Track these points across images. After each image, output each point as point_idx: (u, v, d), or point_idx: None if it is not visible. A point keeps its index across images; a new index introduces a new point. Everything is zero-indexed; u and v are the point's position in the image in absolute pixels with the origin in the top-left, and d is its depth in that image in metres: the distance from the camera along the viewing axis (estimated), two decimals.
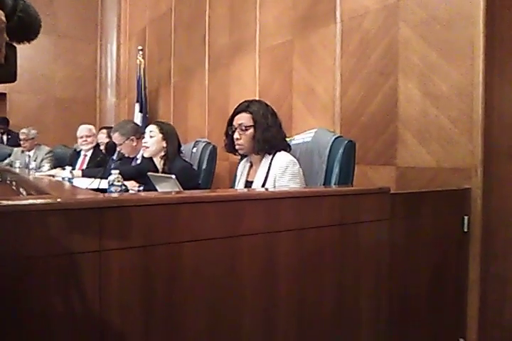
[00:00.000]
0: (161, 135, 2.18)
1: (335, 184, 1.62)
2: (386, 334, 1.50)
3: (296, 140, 1.90)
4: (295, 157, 1.81)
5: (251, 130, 1.62)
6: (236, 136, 1.64)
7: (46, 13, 6.14)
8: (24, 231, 0.85)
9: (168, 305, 1.01)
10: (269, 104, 1.71)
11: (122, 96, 6.51)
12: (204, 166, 2.80)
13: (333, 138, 1.69)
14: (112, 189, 1.55)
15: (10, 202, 0.85)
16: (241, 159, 1.87)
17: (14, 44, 0.90)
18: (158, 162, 2.19)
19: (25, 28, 0.87)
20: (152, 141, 2.17)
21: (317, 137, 1.79)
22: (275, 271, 1.19)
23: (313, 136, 1.81)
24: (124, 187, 1.58)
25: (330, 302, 1.33)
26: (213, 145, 2.80)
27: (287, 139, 1.91)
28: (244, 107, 1.65)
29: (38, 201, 0.87)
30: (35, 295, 0.86)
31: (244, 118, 1.64)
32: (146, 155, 2.18)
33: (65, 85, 6.23)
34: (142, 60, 5.30)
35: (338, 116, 2.57)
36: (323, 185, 1.66)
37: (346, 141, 1.65)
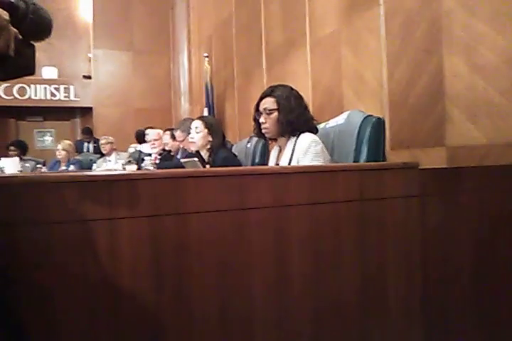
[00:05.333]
0: (206, 130, 2.31)
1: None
2: (421, 325, 1.41)
3: (330, 123, 1.90)
4: (328, 140, 1.81)
5: (275, 113, 1.66)
6: (262, 120, 1.69)
7: (123, 32, 6.74)
8: (44, 200, 0.99)
9: (177, 272, 1.09)
10: (294, 87, 1.74)
11: (195, 102, 6.86)
12: (257, 160, 2.89)
13: (363, 118, 1.66)
14: None
15: (33, 175, 0.99)
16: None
17: (33, 43, 1.06)
18: (204, 154, 2.32)
19: (38, 28, 1.02)
20: (198, 136, 2.31)
21: (349, 118, 1.77)
22: (286, 245, 1.21)
23: (345, 118, 1.80)
24: None
25: (350, 281, 1.30)
26: (265, 140, 2.87)
27: (322, 124, 1.91)
28: (269, 92, 1.70)
29: (56, 175, 1.01)
30: (55, 257, 0.99)
31: (268, 103, 1.68)
32: (192, 149, 2.33)
33: (142, 97, 6.76)
34: (208, 66, 5.56)
35: (386, 101, 2.48)
36: None
37: (374, 119, 1.61)
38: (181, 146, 3.36)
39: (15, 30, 0.95)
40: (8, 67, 1.00)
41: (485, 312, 1.55)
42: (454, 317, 1.48)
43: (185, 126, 2.98)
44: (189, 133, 2.92)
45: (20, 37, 0.98)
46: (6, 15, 0.88)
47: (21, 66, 1.01)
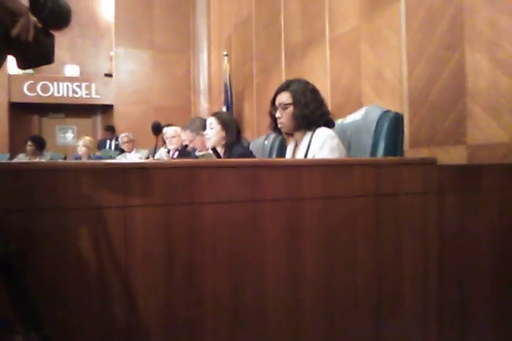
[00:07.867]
0: (219, 126, 2.32)
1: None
2: (436, 325, 1.37)
3: (347, 120, 1.88)
4: (345, 136, 1.79)
5: (291, 108, 1.65)
6: (277, 114, 1.68)
7: (144, 31, 6.83)
8: (59, 187, 1.00)
9: (189, 261, 1.09)
10: (310, 82, 1.73)
11: (214, 101, 6.90)
12: (274, 156, 2.88)
13: (381, 113, 1.64)
14: None
15: (49, 162, 1.01)
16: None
17: (52, 32, 1.08)
18: (220, 150, 2.33)
19: (57, 17, 1.04)
20: (212, 132, 2.32)
21: (366, 114, 1.75)
22: (300, 239, 1.19)
23: (363, 114, 1.78)
24: None
25: (364, 279, 1.28)
26: (282, 137, 2.86)
27: (339, 120, 1.89)
28: (284, 86, 1.69)
29: (71, 162, 1.02)
30: (70, 243, 1.00)
31: (284, 97, 1.68)
32: (208, 145, 2.34)
33: (162, 95, 6.82)
34: (228, 65, 5.58)
35: (406, 98, 2.44)
36: None
37: (392, 114, 1.59)
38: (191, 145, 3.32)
39: (34, 18, 0.97)
40: (28, 55, 1.02)
41: (504, 313, 1.51)
42: (470, 318, 1.44)
43: (195, 125, 2.97)
44: (198, 134, 2.93)
45: (40, 26, 1.00)
46: (25, 2, 0.91)
47: (41, 55, 1.03)
